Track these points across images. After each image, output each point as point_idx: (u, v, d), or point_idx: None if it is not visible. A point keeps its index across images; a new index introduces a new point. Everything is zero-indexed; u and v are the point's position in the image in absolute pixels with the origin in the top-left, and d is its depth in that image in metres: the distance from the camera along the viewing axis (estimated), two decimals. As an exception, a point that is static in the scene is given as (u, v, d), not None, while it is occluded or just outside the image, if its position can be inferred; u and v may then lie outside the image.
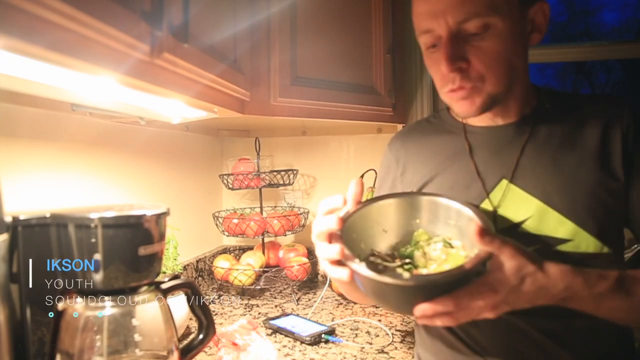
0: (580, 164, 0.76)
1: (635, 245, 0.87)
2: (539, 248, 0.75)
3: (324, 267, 0.68)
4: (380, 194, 0.81)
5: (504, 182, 0.78)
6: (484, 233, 0.59)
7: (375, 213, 0.76)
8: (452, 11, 0.70)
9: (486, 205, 0.79)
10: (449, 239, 0.73)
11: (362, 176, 1.69)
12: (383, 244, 0.76)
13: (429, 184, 0.86)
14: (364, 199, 0.74)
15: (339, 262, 0.65)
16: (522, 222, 0.76)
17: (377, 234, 0.76)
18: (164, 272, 1.14)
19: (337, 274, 0.65)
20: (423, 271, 0.67)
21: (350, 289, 0.87)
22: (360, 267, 0.62)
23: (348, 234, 0.69)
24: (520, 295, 0.62)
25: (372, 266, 0.64)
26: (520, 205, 0.77)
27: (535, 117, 0.81)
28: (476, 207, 0.73)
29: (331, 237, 0.67)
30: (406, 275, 0.61)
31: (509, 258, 0.61)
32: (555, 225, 0.74)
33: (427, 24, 0.74)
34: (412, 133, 0.96)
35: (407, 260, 0.69)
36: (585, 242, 0.74)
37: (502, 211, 0.78)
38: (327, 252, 0.65)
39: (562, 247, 0.74)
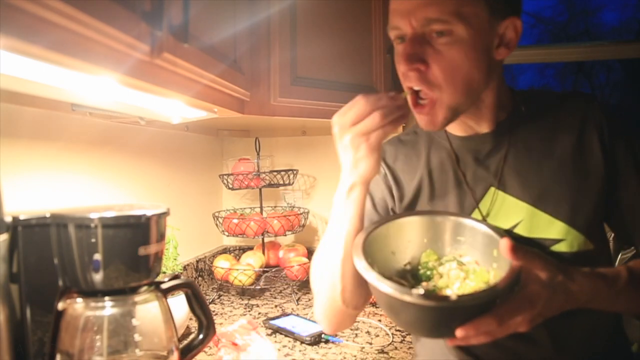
0: (561, 166, 0.77)
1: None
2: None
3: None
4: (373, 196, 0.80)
5: (492, 190, 0.80)
6: (516, 249, 0.59)
7: (383, 235, 0.75)
8: (418, 12, 0.71)
9: (476, 214, 0.80)
10: (460, 256, 0.72)
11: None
12: (392, 266, 0.74)
13: (419, 198, 0.86)
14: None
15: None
16: (514, 227, 0.77)
17: (386, 257, 0.74)
18: (164, 272, 1.14)
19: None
20: (447, 292, 0.65)
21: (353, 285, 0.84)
22: (394, 291, 0.59)
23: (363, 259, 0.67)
24: (553, 304, 0.63)
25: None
26: (510, 211, 0.78)
27: (512, 123, 0.82)
28: (489, 223, 0.73)
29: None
30: (454, 296, 0.58)
31: (540, 270, 0.62)
32: (545, 226, 0.76)
33: (395, 22, 0.75)
34: (402, 144, 0.93)
35: (433, 284, 0.68)
36: (577, 241, 0.75)
37: (492, 218, 0.79)
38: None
39: (556, 248, 0.75)
